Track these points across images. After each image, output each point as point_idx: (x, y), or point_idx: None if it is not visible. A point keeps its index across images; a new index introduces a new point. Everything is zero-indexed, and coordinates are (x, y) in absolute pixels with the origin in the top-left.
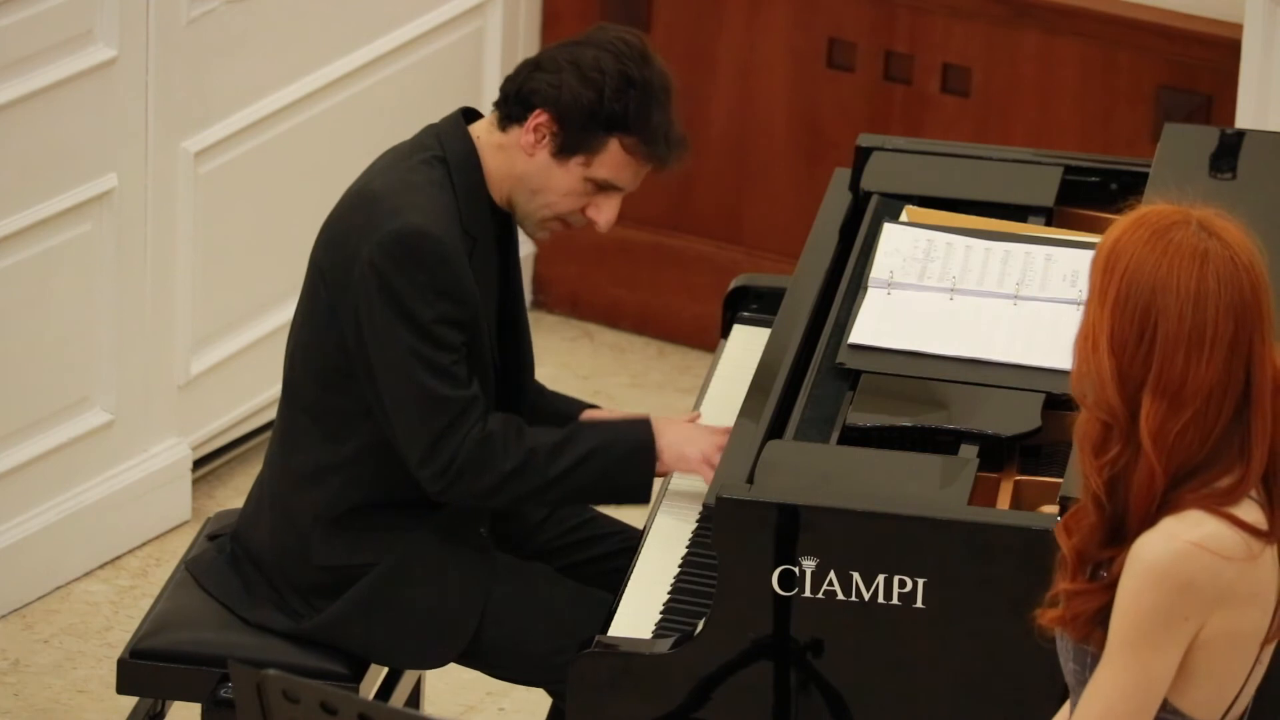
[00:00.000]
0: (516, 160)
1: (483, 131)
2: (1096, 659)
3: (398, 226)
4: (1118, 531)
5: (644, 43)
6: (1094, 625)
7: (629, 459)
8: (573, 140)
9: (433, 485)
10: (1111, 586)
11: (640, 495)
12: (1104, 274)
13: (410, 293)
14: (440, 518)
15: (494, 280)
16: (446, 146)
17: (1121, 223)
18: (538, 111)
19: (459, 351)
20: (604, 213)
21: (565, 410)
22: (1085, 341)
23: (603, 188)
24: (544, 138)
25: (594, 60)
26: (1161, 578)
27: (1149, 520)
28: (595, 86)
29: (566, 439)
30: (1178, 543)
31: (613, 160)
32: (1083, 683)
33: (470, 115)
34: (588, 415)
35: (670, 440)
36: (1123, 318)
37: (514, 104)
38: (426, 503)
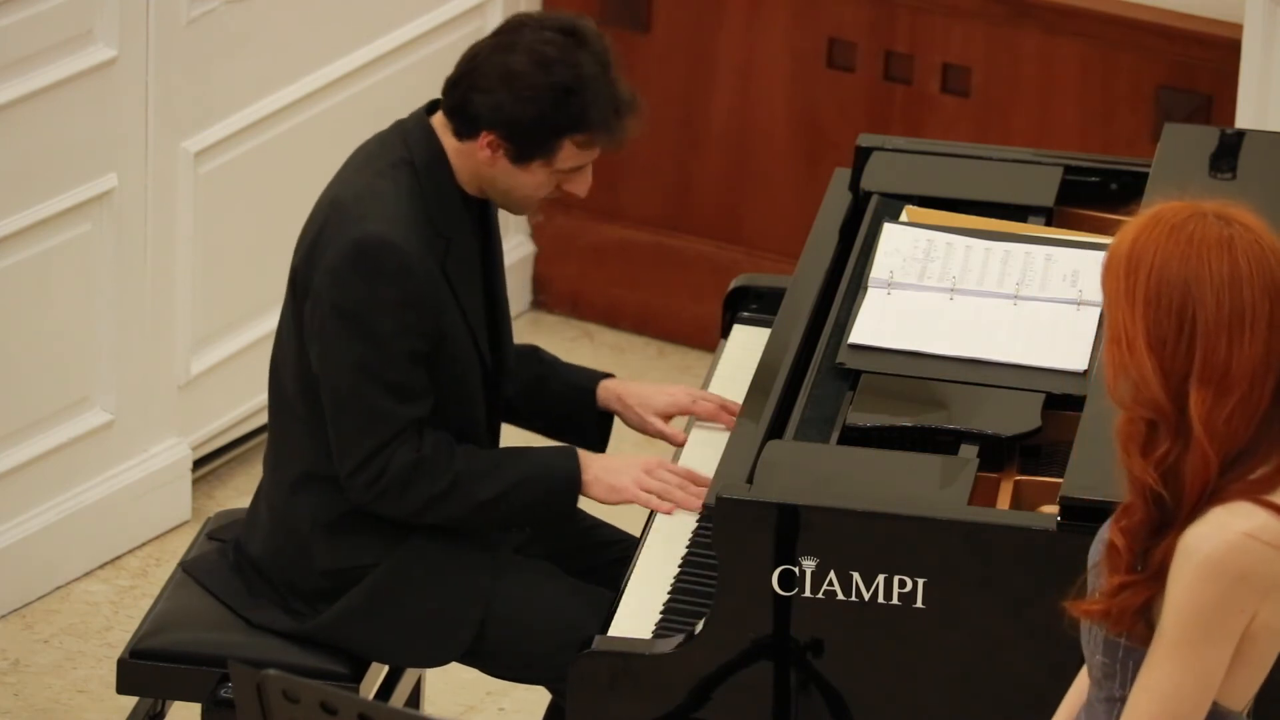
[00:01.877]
0: (481, 166)
1: (446, 130)
2: (1129, 651)
3: (359, 235)
4: (1166, 522)
5: (573, 26)
6: (1138, 619)
7: (555, 492)
8: (527, 150)
9: (360, 495)
10: (1156, 578)
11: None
12: (1127, 276)
13: (369, 303)
14: None
15: (477, 274)
16: (413, 149)
17: (1133, 225)
18: (484, 132)
19: (419, 364)
20: (579, 185)
21: (580, 382)
22: (1118, 345)
23: (570, 171)
24: (498, 150)
25: (525, 72)
26: (1218, 570)
27: (1197, 510)
28: (534, 104)
29: (495, 466)
30: (1231, 534)
31: (571, 154)
32: (1110, 675)
33: (436, 106)
34: (606, 385)
35: (596, 473)
36: (1158, 315)
37: (460, 121)
38: None
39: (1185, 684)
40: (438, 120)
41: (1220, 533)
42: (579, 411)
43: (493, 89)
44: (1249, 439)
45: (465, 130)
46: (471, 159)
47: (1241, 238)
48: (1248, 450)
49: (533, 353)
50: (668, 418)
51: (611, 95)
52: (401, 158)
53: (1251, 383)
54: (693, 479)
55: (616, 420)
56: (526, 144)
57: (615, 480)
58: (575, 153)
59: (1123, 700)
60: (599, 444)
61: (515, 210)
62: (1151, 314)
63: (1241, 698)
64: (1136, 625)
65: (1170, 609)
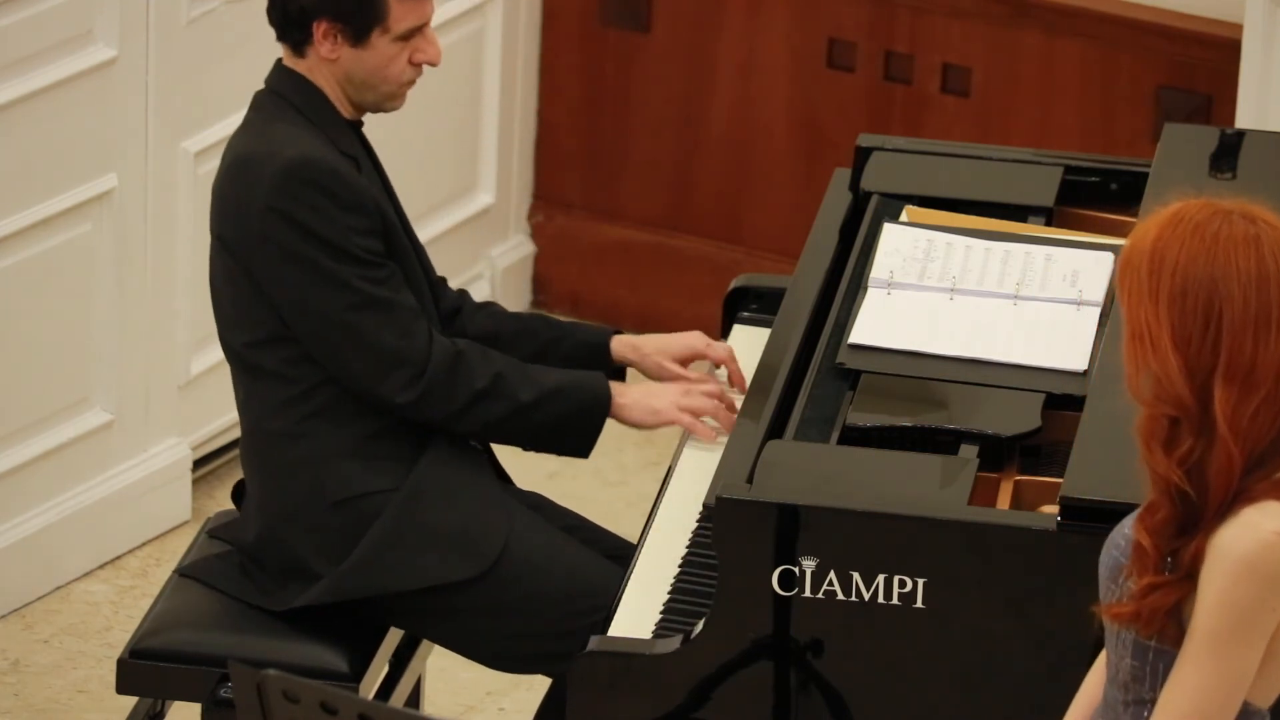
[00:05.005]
0: (333, 70)
1: (294, 64)
2: (1159, 653)
3: (279, 165)
4: (1191, 521)
5: None
6: (1168, 620)
7: (587, 407)
8: (361, 23)
9: (404, 395)
10: (1187, 579)
11: (585, 448)
12: (1150, 274)
13: (315, 220)
14: (444, 435)
15: (385, 195)
16: (286, 94)
17: (1152, 224)
18: (316, 23)
19: (384, 261)
20: (428, 52)
21: (593, 339)
22: (1140, 343)
23: (410, 35)
24: (336, 38)
25: None
26: (1253, 570)
27: (1224, 509)
28: None
29: (531, 371)
30: (1264, 533)
31: (401, 10)
32: (1139, 679)
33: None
34: (620, 339)
35: (635, 397)
36: (1183, 312)
37: (291, 31)
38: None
39: (1218, 683)
40: (288, 60)
41: (1253, 533)
42: (594, 367)
43: None
44: (1274, 437)
45: (300, 36)
46: (322, 71)
47: (1268, 236)
48: (1273, 449)
49: (542, 319)
50: (684, 363)
51: None
52: (281, 104)
53: (1276, 381)
54: (726, 402)
55: (631, 373)
56: (355, 16)
57: (654, 403)
58: (404, 5)
59: (1153, 702)
60: None
61: (387, 103)
62: (1177, 311)
63: (1268, 696)
64: (1167, 627)
65: (1202, 610)
